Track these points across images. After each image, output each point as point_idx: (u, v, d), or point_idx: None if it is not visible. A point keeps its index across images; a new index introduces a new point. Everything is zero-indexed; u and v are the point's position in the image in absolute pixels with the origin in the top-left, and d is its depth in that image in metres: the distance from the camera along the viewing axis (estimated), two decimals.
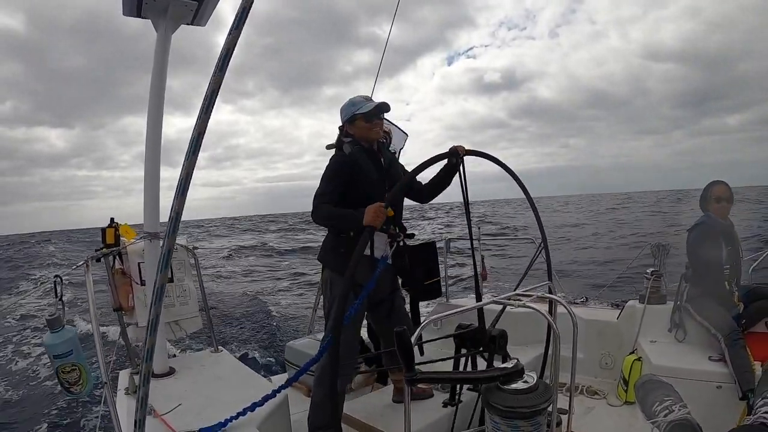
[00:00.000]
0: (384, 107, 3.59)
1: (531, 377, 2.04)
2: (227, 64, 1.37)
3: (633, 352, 4.62)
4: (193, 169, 1.43)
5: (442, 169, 3.68)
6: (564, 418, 3.44)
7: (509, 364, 2.05)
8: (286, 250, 36.34)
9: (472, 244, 3.56)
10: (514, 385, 2.01)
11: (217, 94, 1.38)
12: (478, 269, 3.89)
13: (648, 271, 5.02)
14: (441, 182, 3.74)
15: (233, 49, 1.35)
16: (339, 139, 3.67)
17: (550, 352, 3.62)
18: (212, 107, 1.39)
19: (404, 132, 5.26)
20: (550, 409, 2.97)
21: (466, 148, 3.38)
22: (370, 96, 3.70)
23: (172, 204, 1.49)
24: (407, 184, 3.66)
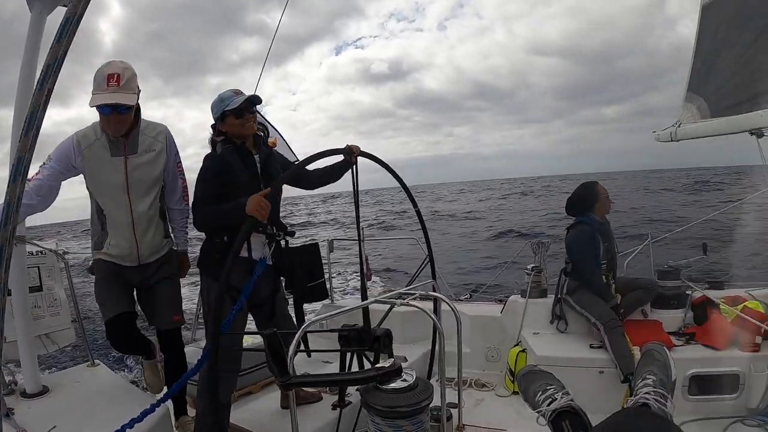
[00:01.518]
0: (254, 100, 3.43)
1: (410, 375, 2.03)
2: (68, 35, 1.24)
3: (517, 345, 4.81)
4: (27, 152, 1.27)
5: (336, 163, 3.64)
6: (454, 412, 3.49)
7: (387, 363, 2.03)
8: None
9: (360, 247, 3.55)
10: (392, 385, 1.98)
11: (55, 69, 1.25)
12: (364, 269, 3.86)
13: (529, 267, 5.24)
14: (331, 175, 3.73)
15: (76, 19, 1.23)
16: (212, 138, 3.52)
17: (437, 348, 3.65)
18: (48, 81, 1.25)
19: (294, 154, 5.24)
20: (439, 404, 3.02)
21: (361, 149, 3.39)
22: (239, 89, 3.54)
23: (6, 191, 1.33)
24: (294, 177, 3.61)
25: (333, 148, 3.31)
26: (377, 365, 2.14)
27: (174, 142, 3.65)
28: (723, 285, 5.15)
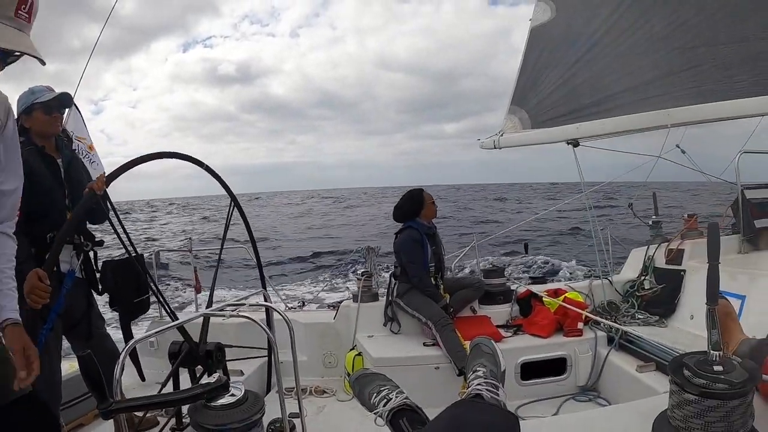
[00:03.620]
0: (65, 99, 3.20)
1: (238, 389, 1.89)
2: None
3: (353, 349, 4.78)
4: None
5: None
6: (297, 422, 3.38)
7: (212, 379, 1.88)
8: None
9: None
10: (221, 401, 1.84)
11: None
12: (192, 282, 3.65)
13: (359, 272, 5.27)
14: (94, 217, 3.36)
15: None
16: None
17: (272, 359, 3.53)
18: None
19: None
20: (280, 416, 2.90)
21: (107, 174, 3.03)
22: (52, 87, 3.22)
23: None
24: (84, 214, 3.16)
25: (88, 197, 2.89)
26: (203, 382, 1.98)
27: None
28: (545, 279, 5.57)
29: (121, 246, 3.11)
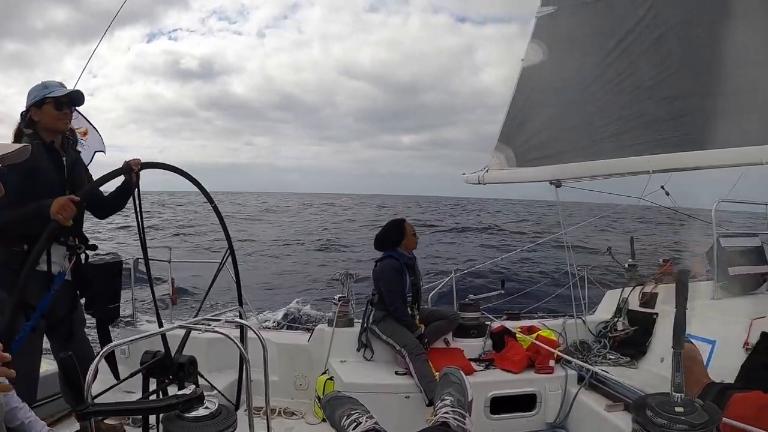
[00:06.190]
0: (77, 97, 3.22)
1: (212, 403, 1.90)
2: None
3: (325, 372, 4.77)
4: None
5: (117, 187, 3.37)
6: None
7: (188, 391, 1.90)
8: None
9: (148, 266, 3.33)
10: (194, 413, 1.85)
11: None
12: (168, 291, 3.64)
13: (336, 297, 5.29)
14: (115, 202, 3.43)
15: None
16: (19, 129, 3.17)
17: (244, 377, 3.52)
18: None
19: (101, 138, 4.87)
20: None
21: (142, 160, 3.15)
22: (62, 82, 3.24)
23: None
24: (94, 192, 3.28)
25: (115, 169, 3.05)
26: (178, 392, 1.99)
27: None
28: (519, 316, 5.64)
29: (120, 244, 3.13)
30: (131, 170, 3.08)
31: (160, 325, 3.32)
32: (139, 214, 3.17)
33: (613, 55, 5.07)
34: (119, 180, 3.25)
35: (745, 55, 4.69)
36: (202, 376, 2.95)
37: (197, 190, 3.53)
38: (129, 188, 3.24)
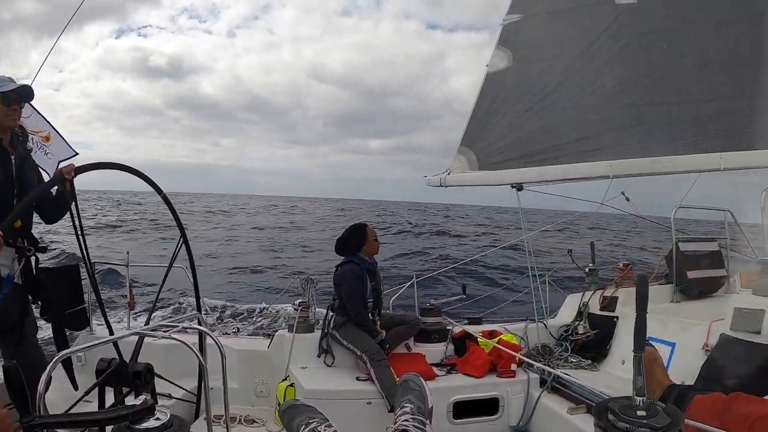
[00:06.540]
0: (26, 92, 3.12)
1: (164, 414, 1.83)
2: None
3: (285, 379, 4.70)
4: None
5: (53, 197, 3.24)
6: None
7: (138, 401, 1.83)
8: None
9: (90, 272, 3.23)
10: (145, 425, 1.78)
11: None
12: (126, 298, 3.56)
13: (296, 302, 5.24)
14: (55, 208, 3.29)
15: None
16: None
17: (203, 385, 3.44)
18: None
19: (72, 149, 4.74)
20: None
21: (76, 165, 3.05)
22: (13, 78, 3.13)
23: None
24: (28, 207, 3.13)
25: (49, 180, 3.01)
26: (128, 403, 1.92)
27: None
28: (481, 321, 5.66)
29: (67, 250, 3.03)
30: (64, 180, 2.97)
31: (111, 332, 3.22)
32: (78, 227, 3.04)
33: (577, 63, 5.17)
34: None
35: (705, 66, 4.82)
36: (165, 379, 2.89)
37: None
38: (65, 199, 3.12)
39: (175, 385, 3.77)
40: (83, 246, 3.09)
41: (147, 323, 3.58)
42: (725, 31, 4.78)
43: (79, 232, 3.06)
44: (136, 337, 3.02)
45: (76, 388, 3.38)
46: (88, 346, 2.75)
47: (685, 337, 4.19)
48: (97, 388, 2.92)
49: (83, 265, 3.23)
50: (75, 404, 2.90)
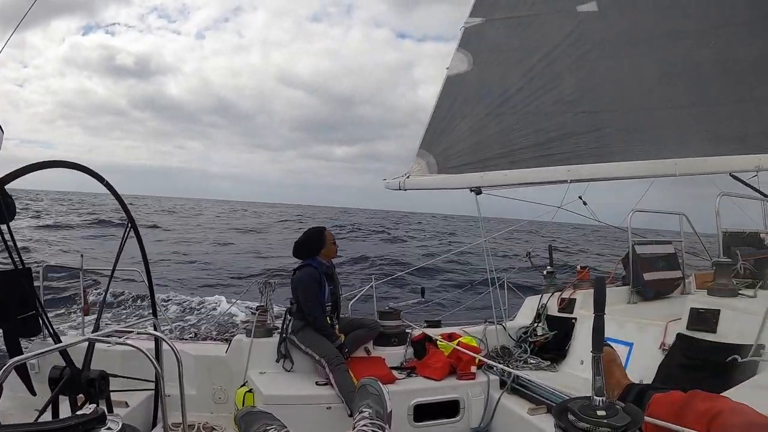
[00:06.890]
0: None
1: (116, 423, 1.77)
2: None
3: (244, 385, 4.63)
4: None
5: None
6: None
7: (88, 410, 1.76)
8: None
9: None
10: None
11: None
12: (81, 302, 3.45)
13: (253, 306, 5.17)
14: None
15: None
16: None
17: (159, 392, 3.37)
18: None
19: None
20: None
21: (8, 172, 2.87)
22: None
23: None
24: None
25: None
26: (78, 413, 1.86)
27: None
28: (440, 323, 5.67)
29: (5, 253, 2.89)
30: None
31: (57, 339, 3.11)
32: (10, 238, 2.90)
33: (537, 68, 5.24)
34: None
35: (663, 75, 4.93)
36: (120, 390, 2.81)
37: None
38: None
39: (132, 391, 3.68)
40: (15, 259, 2.94)
41: (96, 329, 3.47)
42: (682, 43, 4.92)
43: (15, 247, 2.90)
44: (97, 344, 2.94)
45: (34, 394, 3.28)
46: (36, 354, 2.67)
47: (643, 337, 4.29)
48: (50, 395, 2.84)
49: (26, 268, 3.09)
50: (37, 418, 2.78)
